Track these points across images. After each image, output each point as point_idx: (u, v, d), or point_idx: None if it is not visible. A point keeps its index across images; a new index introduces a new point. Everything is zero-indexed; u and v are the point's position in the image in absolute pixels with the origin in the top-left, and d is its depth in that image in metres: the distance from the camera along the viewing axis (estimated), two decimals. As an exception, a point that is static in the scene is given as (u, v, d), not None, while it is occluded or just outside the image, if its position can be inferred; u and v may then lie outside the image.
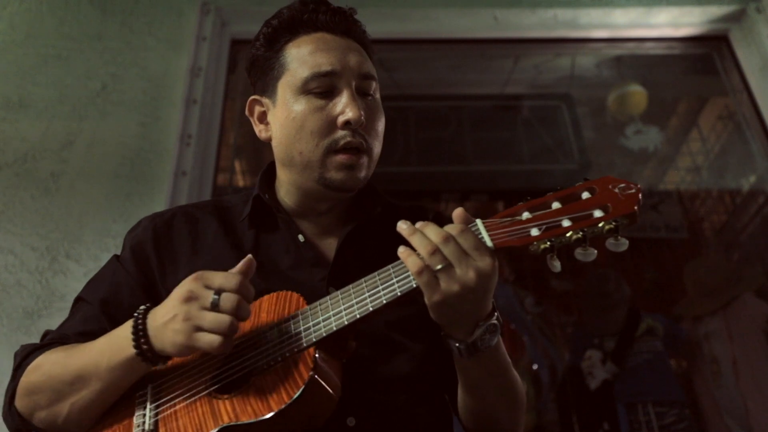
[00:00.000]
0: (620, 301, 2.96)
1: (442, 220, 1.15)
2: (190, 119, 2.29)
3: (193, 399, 0.91)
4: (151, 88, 2.36)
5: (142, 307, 0.93)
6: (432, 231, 0.83)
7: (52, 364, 0.97)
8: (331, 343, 0.88)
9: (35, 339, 1.88)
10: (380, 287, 0.87)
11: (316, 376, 0.84)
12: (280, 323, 0.92)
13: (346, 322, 0.87)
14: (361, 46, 1.12)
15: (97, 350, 0.94)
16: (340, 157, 1.04)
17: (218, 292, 0.84)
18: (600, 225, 0.80)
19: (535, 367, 2.96)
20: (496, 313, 0.89)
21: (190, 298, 0.85)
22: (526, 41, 2.80)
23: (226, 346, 0.84)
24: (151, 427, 0.91)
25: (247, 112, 1.20)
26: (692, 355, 3.04)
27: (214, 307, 0.84)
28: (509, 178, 3.50)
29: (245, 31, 2.63)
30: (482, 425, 1.05)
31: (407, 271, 0.85)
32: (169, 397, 0.93)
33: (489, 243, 0.84)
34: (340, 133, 1.04)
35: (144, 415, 0.93)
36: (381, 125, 1.11)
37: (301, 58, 1.08)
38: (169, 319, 0.86)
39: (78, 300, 1.12)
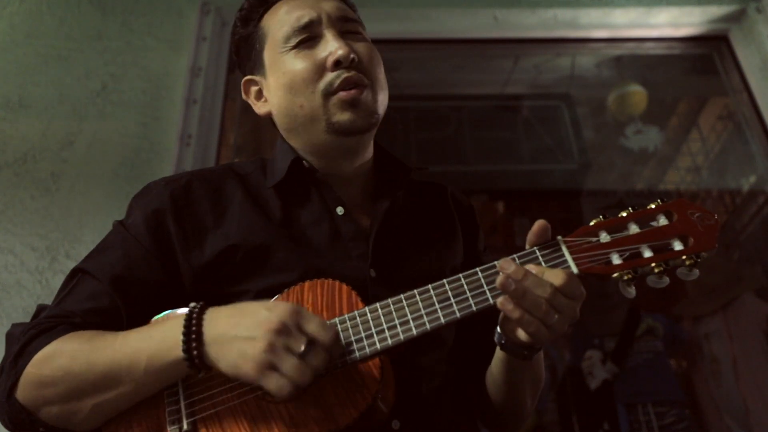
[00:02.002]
0: (620, 301, 2.96)
1: (459, 200, 1.19)
2: (190, 119, 2.29)
3: (238, 399, 0.83)
4: (151, 88, 2.36)
5: (193, 304, 0.83)
6: (540, 288, 0.80)
7: (70, 358, 0.85)
8: (390, 350, 0.83)
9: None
10: (453, 300, 0.83)
11: (381, 390, 0.80)
12: (335, 323, 0.84)
13: (415, 334, 0.82)
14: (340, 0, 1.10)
15: (132, 349, 0.84)
16: (341, 95, 0.98)
17: (311, 340, 0.76)
18: (681, 258, 0.80)
19: (535, 367, 2.96)
20: None
21: (280, 332, 0.75)
22: (526, 41, 2.80)
23: (293, 397, 0.77)
24: (189, 428, 0.82)
25: (244, 96, 1.15)
26: (692, 355, 3.04)
27: (302, 355, 0.75)
28: (509, 178, 3.51)
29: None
30: (509, 413, 1.06)
31: (482, 287, 0.84)
32: (206, 395, 0.84)
33: (575, 269, 0.82)
34: (333, 73, 0.99)
35: (178, 412, 0.84)
36: (379, 67, 1.06)
37: (278, 20, 1.06)
38: (243, 337, 0.76)
39: (78, 271, 0.97)
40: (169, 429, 0.83)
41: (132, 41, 2.46)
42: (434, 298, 0.83)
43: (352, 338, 0.82)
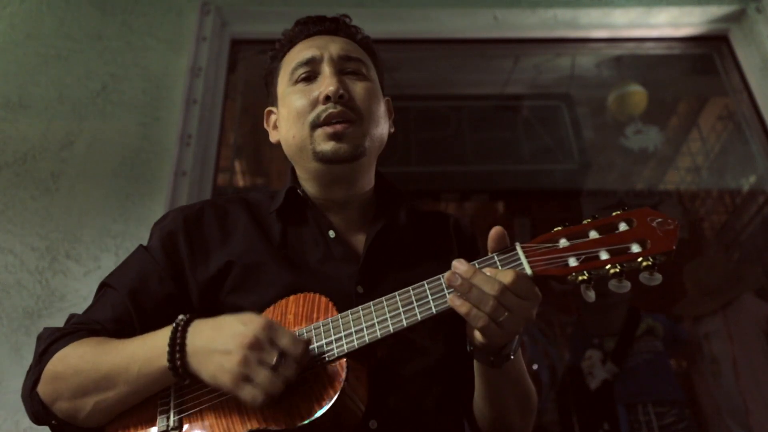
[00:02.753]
0: (620, 301, 2.96)
1: (461, 228, 1.23)
2: (190, 119, 2.29)
3: (220, 399, 0.90)
4: (151, 88, 2.36)
5: (181, 317, 0.91)
6: (488, 284, 0.83)
7: (80, 357, 0.95)
8: (360, 353, 0.89)
9: (35, 339, 1.88)
10: (415, 304, 0.88)
11: (347, 388, 0.85)
12: (310, 330, 0.92)
13: (379, 336, 0.87)
14: (349, 39, 1.19)
15: (129, 354, 0.92)
16: (324, 129, 1.08)
17: (282, 353, 0.82)
18: (638, 260, 0.80)
19: (535, 367, 2.96)
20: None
21: (253, 346, 0.82)
22: (526, 41, 2.80)
23: (266, 405, 0.83)
24: (175, 425, 0.90)
25: (264, 125, 1.26)
26: (692, 355, 3.04)
27: (274, 368, 0.81)
28: (509, 178, 3.50)
29: (245, 31, 2.63)
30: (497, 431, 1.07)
31: (443, 290, 0.87)
32: (193, 395, 0.92)
33: (528, 270, 0.85)
34: (322, 107, 1.08)
35: (168, 410, 0.92)
36: (374, 105, 1.13)
37: (291, 58, 1.18)
38: (220, 351, 0.83)
39: (103, 286, 1.10)
40: (158, 424, 0.91)
41: (132, 41, 2.46)
42: (399, 303, 0.89)
43: (323, 342, 0.89)
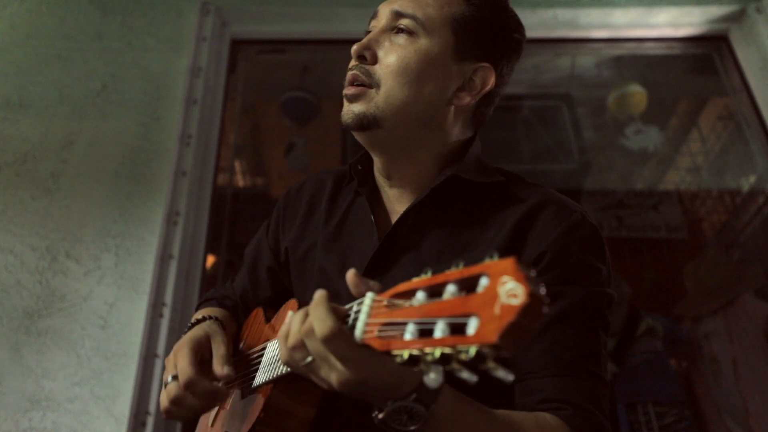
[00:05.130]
0: (620, 301, 2.96)
1: (539, 221, 0.94)
2: (190, 119, 2.29)
3: (237, 389, 1.00)
4: (151, 88, 2.36)
5: (202, 315, 1.08)
6: (296, 322, 0.70)
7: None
8: (292, 376, 0.80)
9: (35, 339, 1.90)
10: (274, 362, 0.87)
11: (265, 415, 0.85)
12: (267, 345, 0.95)
13: (284, 371, 0.81)
14: None
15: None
16: (343, 91, 1.01)
17: (175, 376, 0.93)
18: (460, 349, 0.50)
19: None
20: (413, 395, 0.67)
21: (166, 362, 0.98)
22: (526, 41, 2.79)
23: (168, 414, 0.94)
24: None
25: None
26: (692, 355, 3.04)
27: (165, 385, 0.95)
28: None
29: (245, 31, 2.63)
30: None
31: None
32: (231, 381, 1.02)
33: (359, 334, 0.63)
34: (350, 66, 1.02)
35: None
36: (395, 59, 0.98)
37: None
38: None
39: (245, 254, 1.27)
40: None
41: (132, 41, 2.46)
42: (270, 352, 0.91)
43: (262, 362, 0.93)
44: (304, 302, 0.94)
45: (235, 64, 2.67)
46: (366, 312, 0.64)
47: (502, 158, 3.47)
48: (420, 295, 0.58)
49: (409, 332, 0.55)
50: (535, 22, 2.62)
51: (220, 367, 0.93)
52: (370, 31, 1.04)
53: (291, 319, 0.72)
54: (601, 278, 0.93)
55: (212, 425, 1.02)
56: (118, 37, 2.48)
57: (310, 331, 0.67)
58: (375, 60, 0.99)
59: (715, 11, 2.65)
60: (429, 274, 0.59)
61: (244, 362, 1.00)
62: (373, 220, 1.03)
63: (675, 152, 3.91)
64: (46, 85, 2.35)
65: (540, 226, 0.94)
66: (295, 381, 0.82)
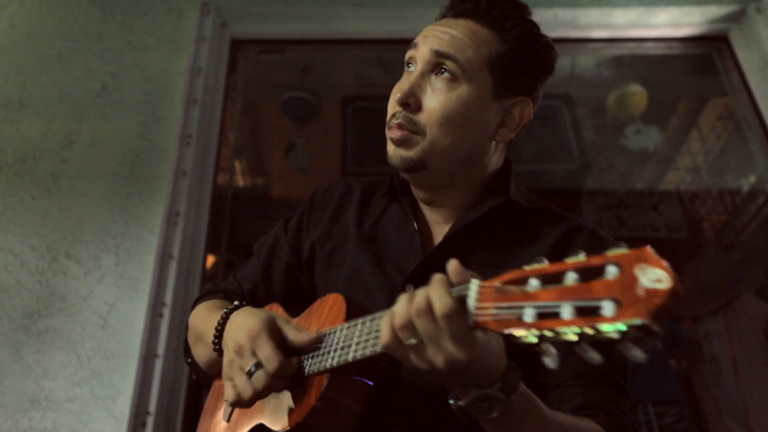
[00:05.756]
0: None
1: (575, 241, 1.03)
2: (190, 119, 2.29)
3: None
4: (151, 88, 2.36)
5: (236, 302, 1.03)
6: (416, 296, 0.71)
7: (197, 316, 1.15)
8: (351, 368, 0.84)
9: (35, 339, 1.90)
10: (373, 334, 0.80)
11: (321, 404, 0.85)
12: (320, 335, 0.91)
13: (350, 359, 0.82)
14: (482, 25, 1.04)
15: (209, 326, 1.05)
16: (388, 133, 1.05)
17: (258, 363, 0.87)
18: (600, 328, 0.55)
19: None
20: (499, 384, 0.72)
21: (237, 352, 0.90)
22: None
23: (241, 405, 0.90)
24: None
25: None
26: (692, 355, 3.04)
27: (249, 375, 0.88)
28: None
29: (245, 31, 2.63)
30: None
31: None
32: None
33: (470, 317, 0.67)
34: (393, 111, 1.04)
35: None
36: (438, 107, 1.00)
37: None
38: (227, 348, 0.94)
39: (254, 249, 1.27)
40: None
41: (132, 41, 2.46)
42: (367, 327, 0.83)
43: (320, 351, 0.89)
44: (320, 282, 1.09)
45: (235, 64, 2.67)
46: (474, 297, 0.67)
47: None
48: (534, 282, 0.62)
49: (528, 315, 0.60)
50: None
51: (301, 336, 0.90)
52: (409, 65, 1.06)
53: (399, 302, 0.73)
54: None
55: (228, 420, 0.99)
56: (118, 37, 2.48)
57: (424, 310, 0.69)
58: (419, 107, 1.01)
59: (715, 11, 2.65)
60: (544, 263, 0.63)
61: None
62: (416, 228, 1.08)
63: (675, 152, 3.91)
64: (46, 85, 2.35)
65: (577, 246, 1.00)
66: (349, 372, 0.86)
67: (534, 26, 1.08)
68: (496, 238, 1.06)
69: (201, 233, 2.17)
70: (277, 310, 1.08)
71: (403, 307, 0.72)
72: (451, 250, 1.02)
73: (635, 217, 3.56)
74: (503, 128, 1.07)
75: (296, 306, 1.08)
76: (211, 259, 2.44)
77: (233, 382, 0.89)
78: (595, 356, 0.57)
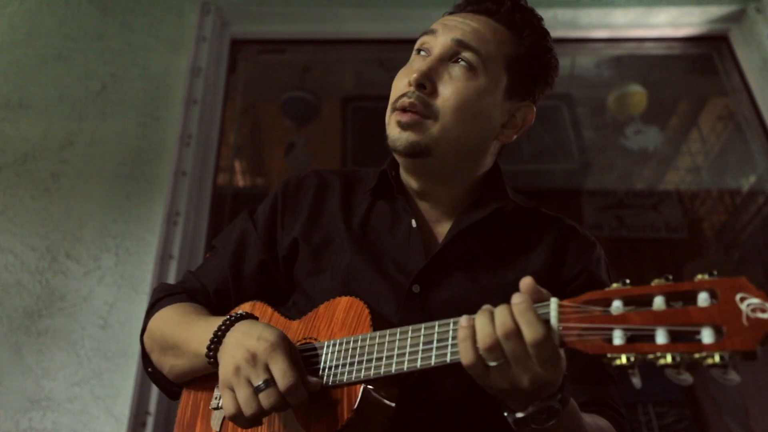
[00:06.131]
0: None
1: (572, 245, 1.06)
2: (190, 119, 2.29)
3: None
4: (151, 88, 2.36)
5: (240, 312, 0.94)
6: (500, 318, 0.71)
7: (166, 322, 1.05)
8: (385, 380, 0.82)
9: (35, 339, 1.90)
10: (434, 345, 0.78)
11: (355, 416, 0.81)
12: (342, 342, 0.87)
13: (393, 371, 0.80)
14: (503, 26, 1.05)
15: (194, 332, 0.98)
16: (395, 113, 1.01)
17: (269, 380, 0.80)
18: (701, 354, 0.58)
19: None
20: (559, 395, 0.74)
21: (248, 361, 0.82)
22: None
23: (240, 423, 0.83)
24: (221, 404, 0.94)
25: None
26: (692, 355, 3.04)
27: (256, 390, 0.81)
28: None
29: (245, 31, 2.63)
30: None
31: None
32: None
33: (555, 338, 0.68)
34: (405, 90, 1.01)
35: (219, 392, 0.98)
36: (464, 106, 1.00)
37: None
38: (231, 354, 0.85)
39: (212, 247, 1.19)
40: (213, 396, 0.99)
41: (132, 41, 2.47)
42: (421, 338, 0.80)
43: (348, 359, 0.85)
44: (318, 299, 0.97)
45: (235, 64, 2.67)
46: (555, 317, 0.68)
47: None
48: (617, 303, 0.64)
49: (618, 337, 0.63)
50: (535, 22, 2.62)
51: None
52: (421, 51, 1.05)
53: (474, 321, 0.72)
54: None
55: (220, 430, 0.95)
56: (118, 37, 2.48)
57: (513, 334, 0.69)
58: (435, 91, 1.00)
59: (715, 11, 2.65)
60: (626, 284, 0.65)
61: None
62: (416, 227, 1.06)
63: (675, 152, 3.91)
64: (46, 85, 2.35)
65: (575, 249, 1.07)
66: (382, 384, 0.83)
67: (548, 39, 1.11)
68: (498, 239, 1.06)
69: (201, 233, 2.17)
70: (262, 308, 1.05)
71: (487, 328, 0.71)
72: (457, 250, 1.02)
73: (635, 217, 3.56)
74: (507, 129, 1.08)
75: (267, 304, 1.05)
76: (211, 259, 2.44)
77: (235, 393, 0.82)
78: (687, 378, 0.61)
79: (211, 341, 0.91)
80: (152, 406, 1.81)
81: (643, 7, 2.65)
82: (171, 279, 1.99)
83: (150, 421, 1.79)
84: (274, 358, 0.81)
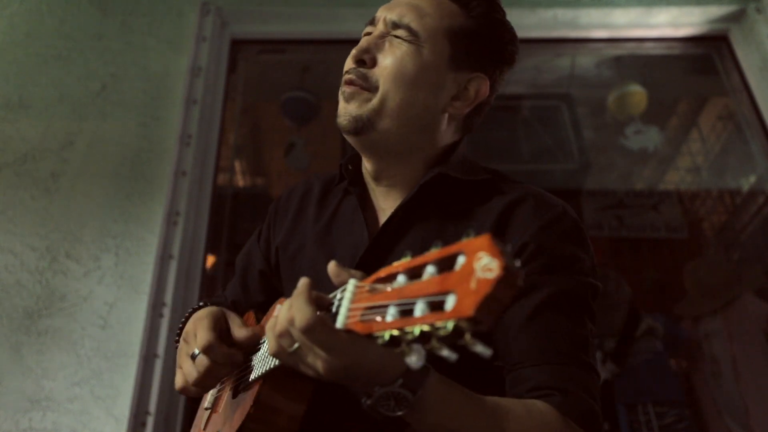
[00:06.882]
0: (620, 301, 2.96)
1: (514, 214, 0.98)
2: (190, 119, 2.29)
3: (228, 390, 1.00)
4: (151, 88, 2.36)
5: (200, 303, 1.09)
6: (286, 305, 0.71)
7: None
8: (283, 373, 0.81)
9: (35, 339, 1.90)
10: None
11: (254, 411, 0.83)
12: (257, 334, 0.94)
13: (278, 364, 0.79)
14: (451, 4, 1.05)
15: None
16: (340, 91, 1.02)
17: (195, 350, 0.91)
18: (441, 325, 0.51)
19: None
20: (399, 380, 0.70)
21: (185, 339, 0.96)
22: (526, 41, 2.78)
23: (188, 391, 0.93)
24: (210, 405, 1.05)
25: None
26: (692, 355, 3.04)
27: (193, 358, 0.92)
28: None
29: (245, 31, 2.63)
30: None
31: None
32: (223, 383, 1.04)
33: (341, 320, 0.63)
34: (348, 67, 1.03)
35: (215, 389, 1.07)
36: (392, 63, 1.00)
37: None
38: (182, 338, 0.98)
39: (236, 262, 1.29)
40: (210, 393, 1.09)
41: (132, 41, 2.46)
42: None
43: (258, 358, 0.90)
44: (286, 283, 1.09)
45: (235, 64, 2.67)
46: (349, 298, 0.64)
47: (502, 158, 3.47)
48: (401, 278, 0.58)
49: (390, 314, 0.56)
50: (535, 22, 2.62)
51: (241, 331, 0.93)
52: (368, 34, 1.06)
53: (279, 310, 0.73)
54: (584, 267, 0.95)
55: (204, 428, 1.00)
56: (118, 37, 2.48)
57: (292, 321, 0.68)
58: (374, 63, 1.01)
59: (715, 11, 2.65)
60: (409, 258, 0.59)
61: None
62: (363, 218, 1.06)
63: (675, 152, 3.91)
64: (46, 85, 2.35)
65: (520, 218, 0.98)
66: (285, 376, 0.83)
67: (499, 12, 1.09)
68: (438, 214, 1.02)
69: (201, 233, 2.17)
70: (249, 316, 1.11)
71: (282, 315, 0.71)
72: (392, 233, 1.01)
73: (635, 217, 3.57)
74: (457, 102, 1.05)
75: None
76: (211, 259, 2.45)
77: (182, 369, 0.93)
78: (449, 354, 0.52)
79: (176, 333, 1.05)
80: (152, 406, 1.81)
81: (643, 7, 2.65)
82: (171, 279, 1.99)
83: (150, 421, 1.79)
84: (197, 329, 0.92)
